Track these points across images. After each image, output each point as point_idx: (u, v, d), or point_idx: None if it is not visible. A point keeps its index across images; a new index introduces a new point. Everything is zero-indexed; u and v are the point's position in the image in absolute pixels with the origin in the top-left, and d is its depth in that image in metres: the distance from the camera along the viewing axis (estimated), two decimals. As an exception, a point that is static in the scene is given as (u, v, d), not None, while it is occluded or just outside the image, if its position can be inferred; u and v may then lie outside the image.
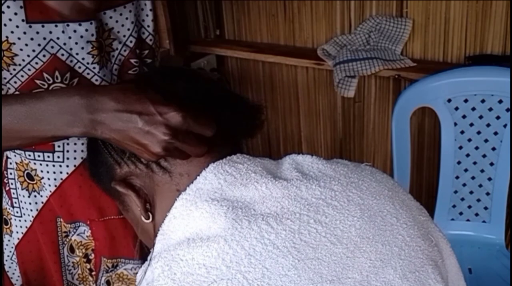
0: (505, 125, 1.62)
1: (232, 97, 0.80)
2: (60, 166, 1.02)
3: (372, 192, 0.70)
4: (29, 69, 0.92)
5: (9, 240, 1.11)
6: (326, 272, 0.60)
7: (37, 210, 1.06)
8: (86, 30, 0.92)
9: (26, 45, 0.90)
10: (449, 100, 1.64)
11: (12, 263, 1.12)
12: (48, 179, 1.03)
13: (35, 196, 1.05)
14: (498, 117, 1.62)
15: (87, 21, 0.91)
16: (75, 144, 1.01)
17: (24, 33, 0.89)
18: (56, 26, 0.90)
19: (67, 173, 1.03)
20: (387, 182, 0.74)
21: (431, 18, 1.85)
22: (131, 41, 0.99)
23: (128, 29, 0.98)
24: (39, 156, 1.01)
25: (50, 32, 0.90)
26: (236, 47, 2.22)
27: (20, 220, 1.08)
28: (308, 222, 0.63)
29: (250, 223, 0.62)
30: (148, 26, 1.02)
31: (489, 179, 1.68)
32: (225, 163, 0.70)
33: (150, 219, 0.74)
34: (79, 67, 0.95)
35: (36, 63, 0.91)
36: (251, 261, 0.59)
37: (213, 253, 0.60)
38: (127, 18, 0.97)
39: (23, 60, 0.91)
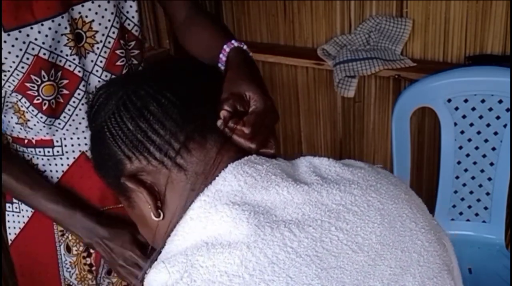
0: (505, 125, 1.62)
1: None
2: (61, 158, 1.05)
3: (390, 196, 0.69)
4: (17, 75, 0.95)
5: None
6: (348, 281, 0.59)
7: None
8: (59, 24, 0.94)
9: (9, 52, 0.93)
10: (449, 100, 1.64)
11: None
12: (51, 171, 1.06)
13: None
14: (498, 117, 1.62)
15: (58, 15, 0.93)
16: (71, 138, 1.04)
17: (5, 42, 0.91)
18: (31, 28, 0.92)
19: (68, 165, 1.05)
20: (402, 185, 0.73)
21: (431, 18, 1.86)
22: (113, 32, 1.00)
23: (109, 20, 0.99)
24: (40, 151, 1.04)
25: (28, 35, 0.93)
26: (236, 47, 2.21)
27: (18, 216, 1.09)
28: (329, 230, 0.62)
29: (272, 230, 0.61)
30: (133, 17, 1.04)
31: (489, 179, 1.68)
32: (245, 163, 0.68)
33: (161, 217, 0.71)
34: (60, 61, 0.97)
35: (22, 67, 0.94)
36: (274, 270, 0.58)
37: (235, 260, 0.59)
38: (106, 9, 0.98)
39: (10, 66, 0.94)
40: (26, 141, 1.05)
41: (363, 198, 0.67)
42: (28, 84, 0.95)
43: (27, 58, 0.94)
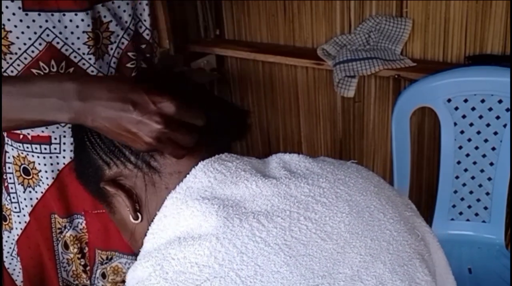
0: (505, 125, 1.62)
1: (218, 99, 0.81)
2: (57, 156, 1.03)
3: (359, 188, 0.71)
4: (25, 58, 0.93)
5: (8, 236, 1.11)
6: (317, 268, 0.61)
7: (31, 205, 1.07)
8: (82, 20, 0.93)
9: (23, 33, 0.91)
10: (449, 100, 1.64)
11: (12, 259, 1.12)
12: (46, 171, 1.04)
13: (30, 192, 1.06)
14: (498, 117, 1.62)
15: (83, 11, 0.92)
16: (71, 136, 1.01)
17: (21, 20, 0.90)
18: (52, 15, 0.91)
19: (64, 164, 1.04)
20: (373, 179, 0.76)
21: (431, 18, 1.86)
22: (128, 34, 1.00)
23: (126, 22, 0.99)
24: (36, 148, 1.02)
25: (46, 21, 0.91)
26: (236, 47, 2.22)
27: (18, 216, 1.09)
28: (298, 219, 0.64)
29: (241, 221, 0.63)
30: (145, 20, 1.03)
31: (489, 179, 1.68)
32: (215, 161, 0.71)
33: (139, 220, 0.74)
34: (75, 57, 0.96)
35: (32, 51, 0.92)
36: (243, 259, 0.60)
37: (205, 252, 0.61)
38: (124, 11, 0.98)
39: (19, 48, 0.92)
40: (21, 136, 1.02)
41: (331, 190, 0.69)
42: (34, 71, 0.94)
43: (40, 44, 0.92)
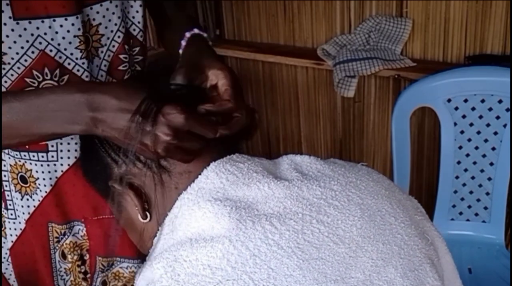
0: (505, 125, 1.62)
1: None
2: (55, 164, 1.02)
3: (370, 192, 0.71)
4: (18, 68, 0.92)
5: (4, 242, 1.11)
6: (330, 272, 0.60)
7: (29, 213, 1.06)
8: (73, 24, 0.91)
9: (15, 42, 0.90)
10: (449, 100, 1.65)
11: (8, 264, 1.12)
12: (44, 179, 1.03)
13: (27, 199, 1.05)
14: (498, 117, 1.62)
15: (73, 15, 0.91)
16: (68, 143, 1.01)
17: (12, 30, 0.88)
18: (42, 21, 0.90)
19: (62, 171, 1.02)
20: (384, 182, 0.75)
21: (431, 18, 1.86)
22: (119, 37, 0.99)
23: (116, 24, 0.98)
24: (33, 156, 1.01)
25: (37, 28, 0.90)
26: (236, 47, 2.22)
27: (14, 223, 1.08)
28: (310, 222, 0.64)
29: (254, 223, 0.62)
30: (139, 22, 1.02)
31: (489, 179, 1.68)
32: (226, 162, 0.70)
33: (148, 219, 0.73)
34: (69, 64, 0.94)
35: (25, 60, 0.91)
36: (256, 262, 0.59)
37: (217, 254, 0.60)
38: (113, 13, 0.97)
39: (12, 58, 0.91)
40: None
41: (343, 193, 0.69)
42: (28, 80, 0.92)
43: (32, 52, 0.91)
